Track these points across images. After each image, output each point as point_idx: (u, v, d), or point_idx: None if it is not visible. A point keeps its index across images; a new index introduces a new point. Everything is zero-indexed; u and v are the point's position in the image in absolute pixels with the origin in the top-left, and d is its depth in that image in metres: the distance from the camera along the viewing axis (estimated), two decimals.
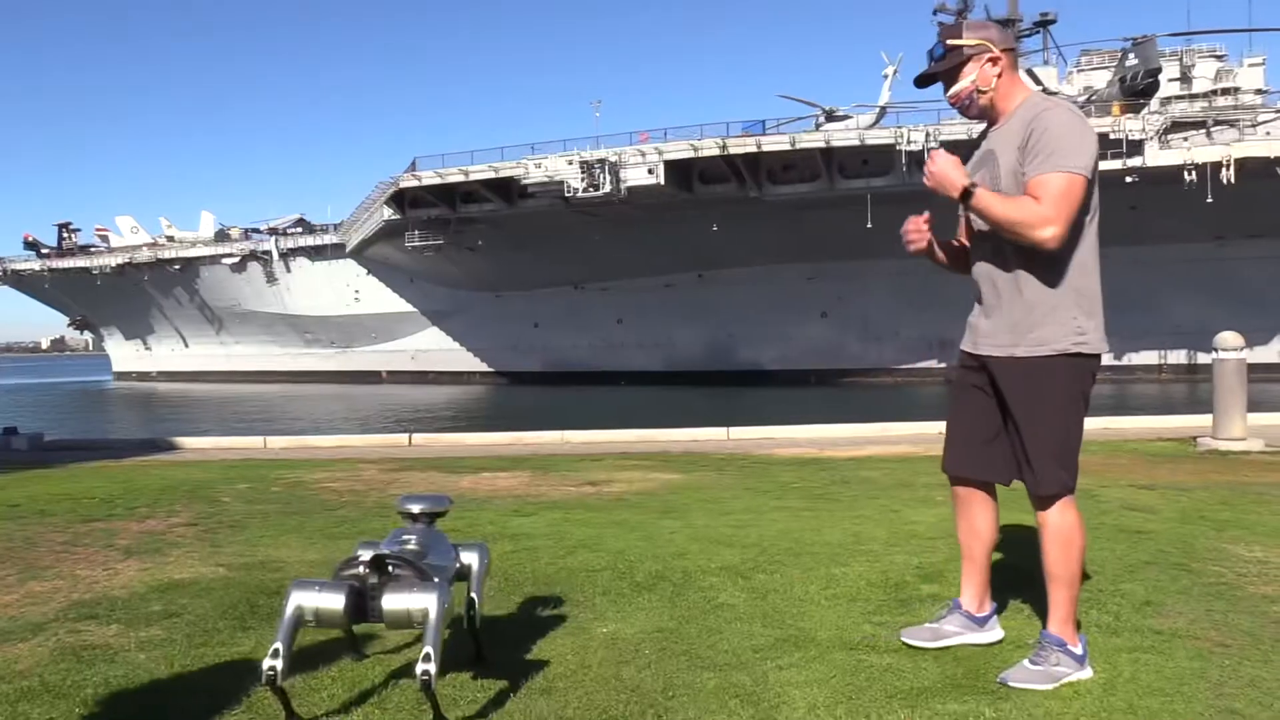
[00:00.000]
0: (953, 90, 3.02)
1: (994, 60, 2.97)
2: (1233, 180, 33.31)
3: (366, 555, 2.69)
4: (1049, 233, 2.78)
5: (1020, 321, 2.93)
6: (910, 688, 2.83)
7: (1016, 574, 3.75)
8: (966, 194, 2.87)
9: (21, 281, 66.68)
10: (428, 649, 2.47)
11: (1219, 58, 43.57)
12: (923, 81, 3.13)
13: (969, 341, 3.13)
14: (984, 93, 2.98)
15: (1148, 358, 42.17)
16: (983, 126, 3.14)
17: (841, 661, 3.06)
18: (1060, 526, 2.94)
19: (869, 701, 2.72)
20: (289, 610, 2.56)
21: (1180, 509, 5.69)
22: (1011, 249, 2.92)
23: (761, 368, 46.12)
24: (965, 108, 3.04)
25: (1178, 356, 41.32)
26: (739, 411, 24.70)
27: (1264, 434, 9.18)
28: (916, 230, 3.11)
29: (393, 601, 2.59)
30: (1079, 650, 2.90)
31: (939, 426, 3.34)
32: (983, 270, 3.05)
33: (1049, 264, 2.88)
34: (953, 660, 3.06)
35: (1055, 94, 40.19)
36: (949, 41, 3.01)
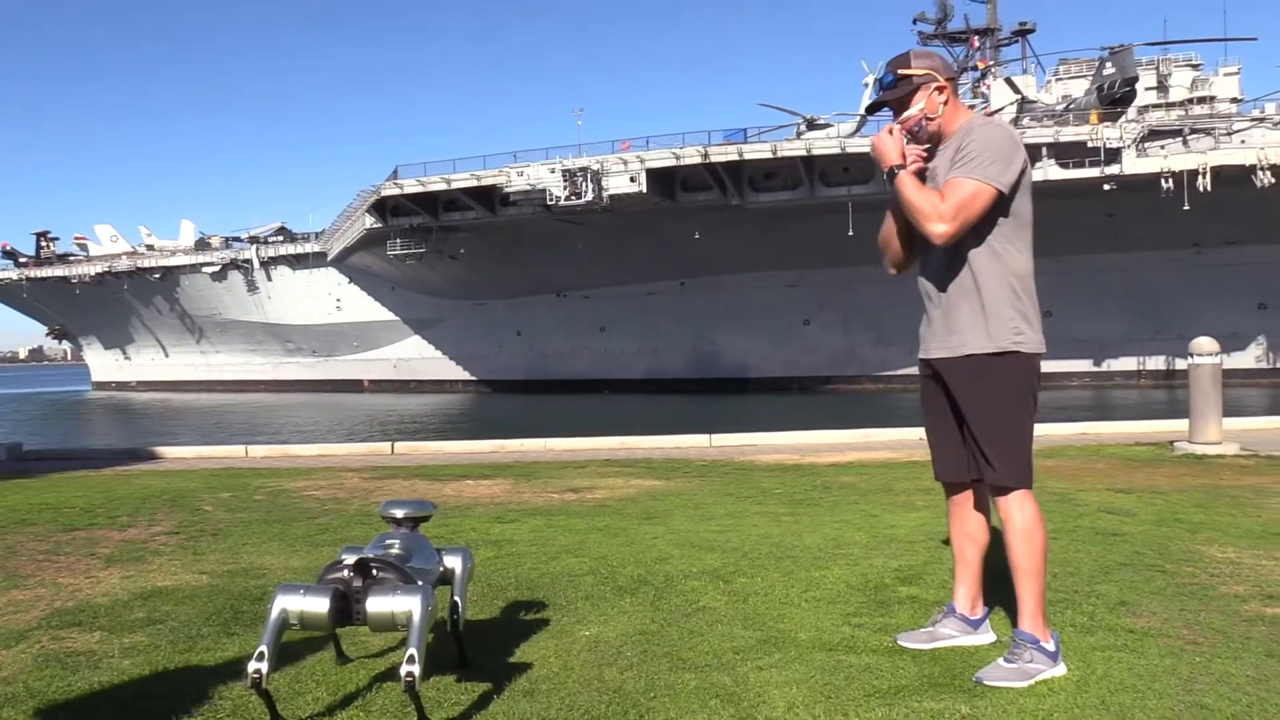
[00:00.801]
0: (902, 116, 3.16)
1: (940, 89, 3.12)
2: (1209, 188, 33.69)
3: (350, 559, 2.72)
4: (940, 229, 2.97)
5: (962, 324, 3.07)
6: (888, 687, 2.87)
7: (993, 576, 3.80)
8: (892, 173, 3.07)
9: None
10: (411, 651, 2.49)
11: (1195, 67, 44.13)
12: (873, 109, 3.35)
13: (921, 349, 3.26)
14: (931, 119, 3.14)
15: (1126, 364, 42.56)
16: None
17: (821, 661, 3.10)
18: (1021, 519, 3.03)
19: (847, 700, 2.77)
20: (274, 613, 2.59)
21: (1156, 512, 5.77)
22: (951, 257, 3.07)
23: (744, 375, 46.28)
24: (915, 133, 3.16)
25: (1156, 363, 41.70)
26: (721, 418, 24.76)
27: (1240, 438, 9.31)
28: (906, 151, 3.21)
29: (377, 604, 2.61)
30: (1051, 647, 2.96)
31: (919, 432, 3.42)
32: (928, 278, 3.19)
33: (987, 271, 3.03)
34: (930, 660, 3.11)
35: (1034, 103, 40.54)
36: (899, 71, 3.16)
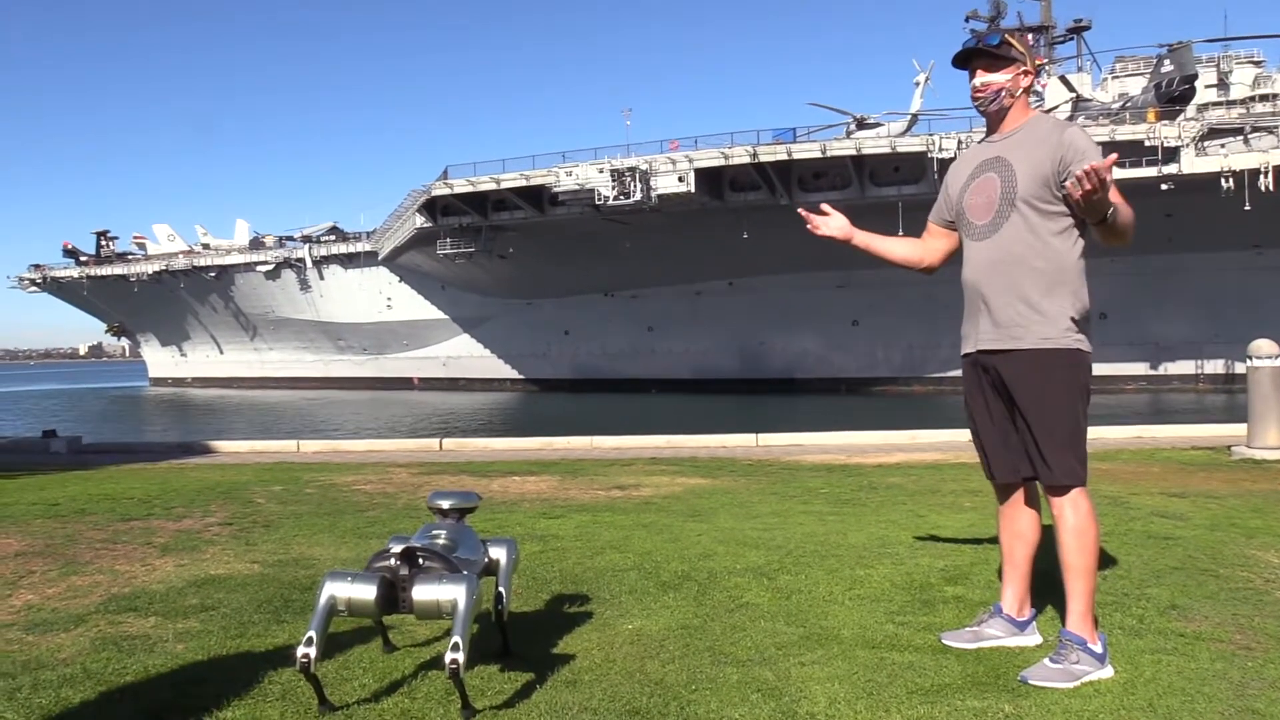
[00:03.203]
0: (989, 78, 3.13)
1: (1027, 73, 3.13)
2: (1271, 188, 32.87)
3: (397, 548, 2.76)
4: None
5: (1021, 319, 3.05)
6: (931, 685, 2.86)
7: (1040, 577, 3.76)
8: (1113, 209, 2.88)
9: (61, 289, 67.77)
10: (456, 639, 2.53)
11: (1257, 64, 43.02)
12: (964, 58, 3.18)
13: (969, 345, 3.23)
14: (1011, 96, 3.12)
15: (1184, 367, 41.66)
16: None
17: (864, 659, 3.09)
18: (1075, 518, 3.00)
19: (889, 697, 2.76)
20: (322, 600, 2.64)
21: (1211, 516, 5.66)
22: (1010, 253, 3.05)
23: (792, 376, 46.01)
24: (988, 102, 3.13)
25: (1215, 366, 40.77)
26: (768, 419, 24.68)
27: None
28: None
29: (422, 593, 2.65)
30: (1099, 649, 2.92)
31: (968, 435, 3.39)
32: (979, 275, 3.16)
33: (1047, 265, 3.02)
34: (974, 659, 3.09)
35: (1089, 101, 39.82)
36: (1006, 37, 3.16)
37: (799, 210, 3.17)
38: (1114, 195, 2.87)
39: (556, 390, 50.69)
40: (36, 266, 67.94)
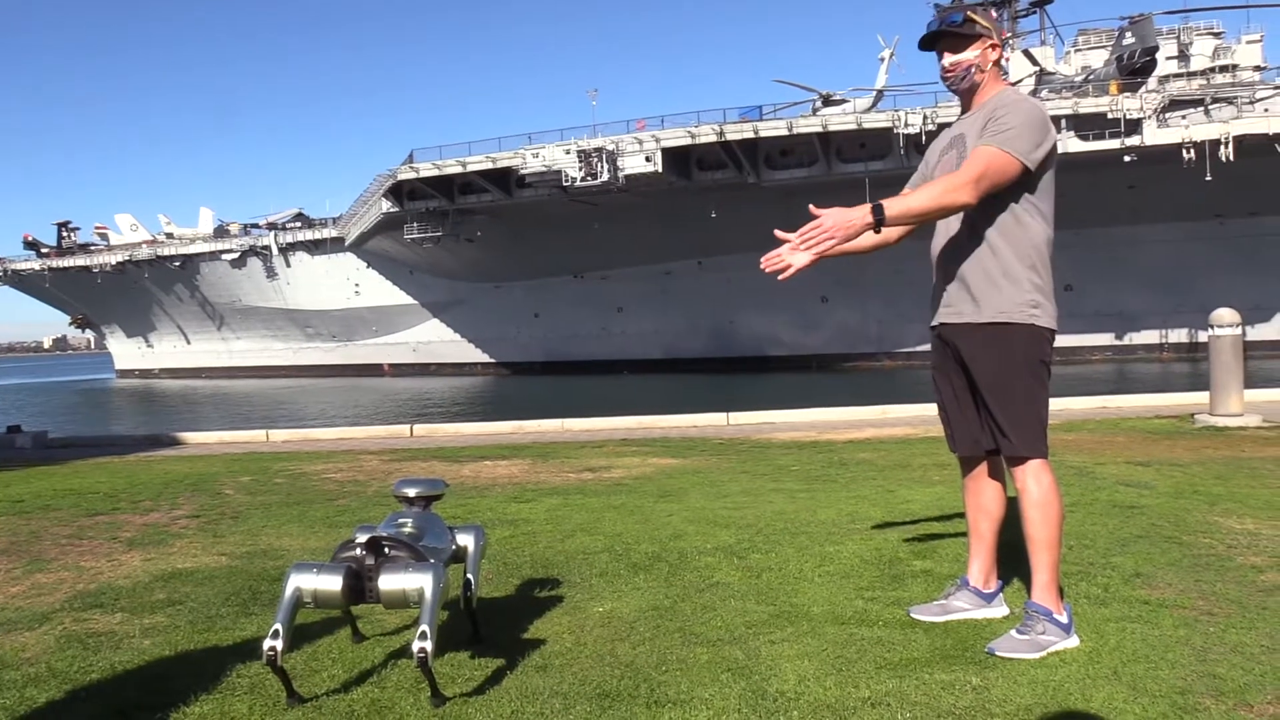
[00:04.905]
0: (956, 58, 3.12)
1: (994, 47, 3.12)
2: (1232, 158, 33.28)
3: (363, 538, 2.74)
4: (963, 198, 2.88)
5: (979, 292, 3.05)
6: (900, 659, 2.88)
7: (1005, 549, 3.79)
8: (879, 211, 2.83)
9: (22, 281, 66.77)
10: (424, 627, 2.52)
11: (1216, 35, 43.50)
12: (930, 40, 3.17)
13: (934, 317, 3.24)
14: (980, 71, 3.12)
15: (1149, 337, 42.21)
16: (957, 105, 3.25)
17: (833, 635, 3.11)
18: (1037, 490, 3.02)
19: (859, 673, 2.77)
20: (288, 592, 2.62)
21: (1174, 484, 5.74)
22: (971, 225, 3.05)
23: (762, 354, 46.19)
24: (959, 80, 3.12)
25: (1179, 335, 41.33)
26: (739, 397, 24.76)
27: (1262, 410, 9.24)
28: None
29: (389, 582, 2.64)
30: (1064, 619, 2.95)
31: (936, 409, 3.40)
32: (941, 247, 3.17)
33: (1008, 240, 3.02)
34: (942, 632, 3.11)
35: (1052, 75, 40.07)
36: (970, 14, 3.13)
37: (775, 232, 3.02)
38: (894, 201, 2.85)
39: (527, 373, 50.64)
40: None
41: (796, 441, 8.83)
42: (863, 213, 2.83)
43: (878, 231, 2.89)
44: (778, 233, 3.02)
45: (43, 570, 4.53)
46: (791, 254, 2.96)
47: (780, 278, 3.03)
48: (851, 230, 2.84)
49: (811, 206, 2.95)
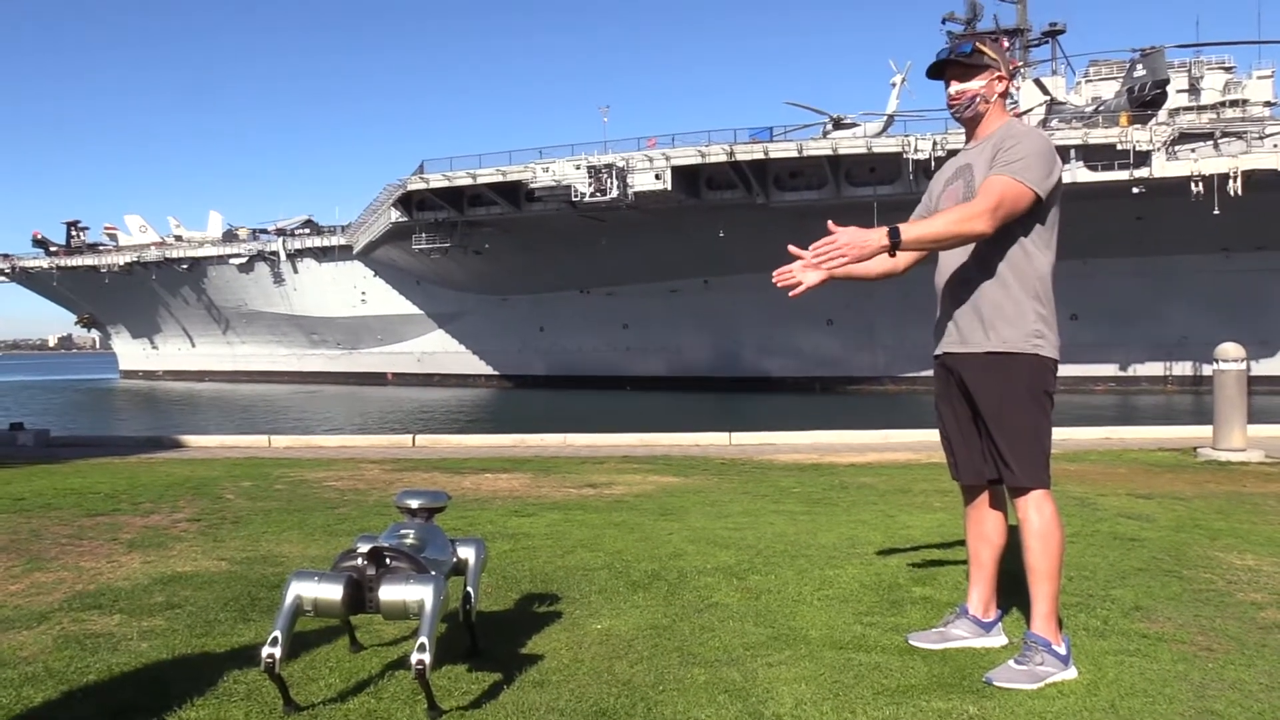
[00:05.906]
0: (963, 87, 3.15)
1: (1001, 79, 3.16)
2: (1240, 192, 33.28)
3: (365, 548, 2.75)
4: (980, 226, 2.90)
5: (984, 322, 3.07)
6: (897, 685, 2.87)
7: (1006, 578, 3.79)
8: (895, 234, 2.85)
9: (30, 279, 66.94)
10: (423, 639, 2.52)
11: (1227, 69, 43.58)
12: (938, 69, 3.20)
13: (937, 348, 3.25)
14: (985, 102, 3.14)
15: (1153, 369, 42.11)
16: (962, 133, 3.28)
17: (831, 659, 3.10)
18: (1039, 521, 3.02)
19: (855, 698, 2.77)
20: (288, 600, 2.62)
21: (1176, 518, 5.72)
22: (978, 256, 3.07)
23: (767, 374, 46.13)
24: (963, 109, 3.15)
25: (1183, 368, 41.24)
26: (742, 417, 24.76)
27: (1265, 445, 9.21)
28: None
29: (389, 593, 2.64)
30: (1063, 650, 2.95)
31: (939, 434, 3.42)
32: (947, 277, 3.19)
33: (1014, 271, 3.03)
34: (940, 660, 3.11)
35: (1063, 104, 40.15)
36: (978, 45, 3.17)
37: (789, 248, 3.04)
38: (909, 227, 2.89)
39: (531, 387, 50.60)
40: (5, 256, 67.03)
41: (798, 463, 8.82)
42: (879, 235, 2.85)
43: (892, 255, 2.91)
44: (791, 248, 3.05)
45: (42, 569, 4.54)
46: (803, 271, 2.99)
47: (791, 294, 3.09)
48: (866, 250, 2.86)
49: (830, 223, 2.97)
